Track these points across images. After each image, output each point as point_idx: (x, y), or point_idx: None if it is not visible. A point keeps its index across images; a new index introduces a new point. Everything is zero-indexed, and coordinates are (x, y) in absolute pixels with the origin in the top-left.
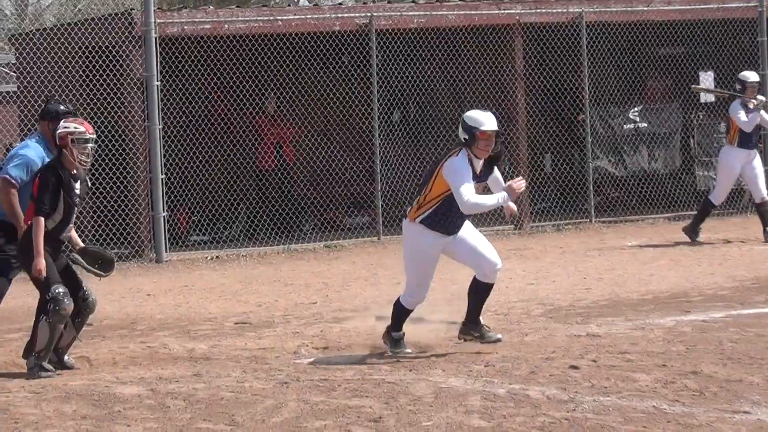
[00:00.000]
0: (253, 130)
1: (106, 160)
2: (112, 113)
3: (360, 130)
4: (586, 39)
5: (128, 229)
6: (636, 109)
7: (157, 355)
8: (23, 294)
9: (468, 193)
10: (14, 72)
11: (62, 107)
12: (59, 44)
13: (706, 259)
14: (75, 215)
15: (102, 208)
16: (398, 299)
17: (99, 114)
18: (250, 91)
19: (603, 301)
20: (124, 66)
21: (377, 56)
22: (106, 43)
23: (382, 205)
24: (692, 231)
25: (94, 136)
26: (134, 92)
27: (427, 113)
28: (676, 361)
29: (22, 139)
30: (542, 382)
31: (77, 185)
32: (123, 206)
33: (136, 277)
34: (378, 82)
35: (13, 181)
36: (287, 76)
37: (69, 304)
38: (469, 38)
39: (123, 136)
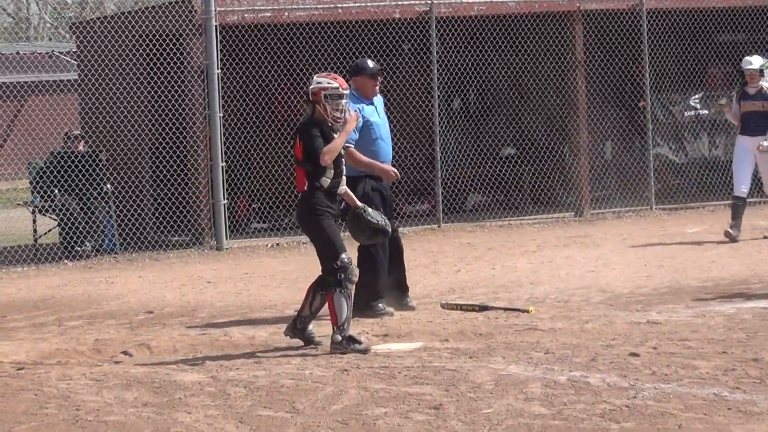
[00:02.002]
0: None
1: (167, 148)
2: (173, 101)
3: (420, 117)
4: (647, 26)
5: (189, 217)
6: (697, 96)
7: (217, 343)
8: (83, 282)
9: None
10: (75, 60)
11: (370, 63)
12: (120, 32)
13: (766, 245)
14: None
15: (163, 195)
16: None
17: (159, 102)
18: (311, 79)
19: (663, 288)
20: (185, 54)
21: (437, 44)
22: (167, 31)
23: (442, 193)
24: (730, 226)
25: (348, 91)
26: (195, 80)
27: (487, 101)
28: (736, 348)
29: (82, 127)
30: (602, 369)
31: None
32: (184, 194)
33: (197, 265)
34: (438, 70)
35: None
36: (347, 64)
37: (357, 271)
38: (530, 26)
39: (183, 124)
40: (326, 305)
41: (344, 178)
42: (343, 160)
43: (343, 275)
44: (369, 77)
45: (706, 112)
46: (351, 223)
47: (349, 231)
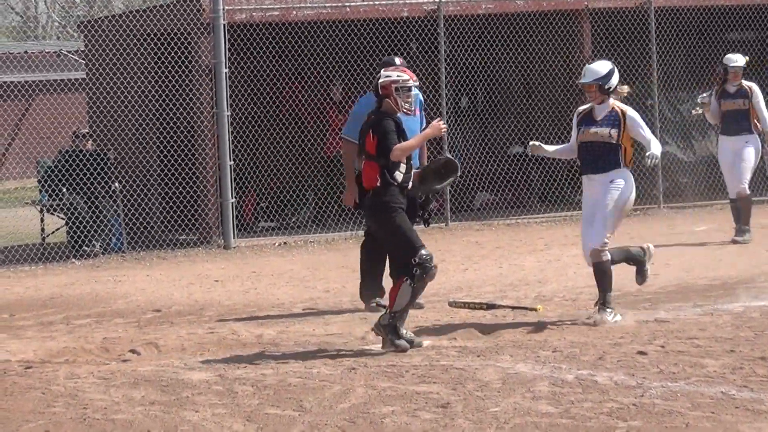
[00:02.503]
0: (320, 117)
1: (175, 147)
2: (181, 100)
3: (428, 116)
4: (655, 24)
5: (196, 216)
6: (705, 94)
7: (225, 341)
8: (91, 281)
9: None
10: (83, 59)
11: (397, 60)
12: (128, 31)
13: None
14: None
15: (171, 194)
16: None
17: (167, 101)
18: (318, 78)
19: (671, 286)
20: (193, 53)
21: (445, 42)
22: (175, 30)
23: (450, 191)
24: (735, 231)
25: (417, 83)
26: (202, 79)
27: (495, 99)
28: (744, 346)
29: (90, 126)
30: (610, 368)
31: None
32: (191, 193)
33: (204, 264)
34: (446, 68)
35: (346, 138)
36: (355, 63)
37: (435, 270)
38: (538, 24)
39: (191, 123)
40: (420, 291)
41: (414, 169)
42: (412, 153)
43: (420, 271)
44: None
45: None
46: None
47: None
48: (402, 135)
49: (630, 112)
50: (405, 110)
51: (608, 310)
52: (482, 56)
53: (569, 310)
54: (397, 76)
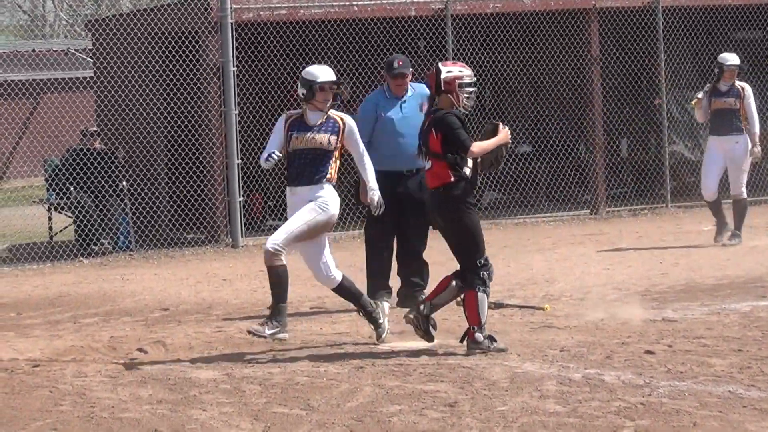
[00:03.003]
0: None
1: (183, 146)
2: (188, 99)
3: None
4: (662, 23)
5: (204, 215)
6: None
7: (232, 340)
8: (99, 279)
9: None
10: (91, 58)
11: (397, 61)
12: (135, 30)
13: None
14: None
15: (178, 193)
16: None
17: (175, 100)
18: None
19: (679, 286)
20: (200, 52)
21: (453, 41)
22: (182, 29)
23: None
24: (717, 234)
25: (475, 79)
26: (210, 78)
27: (502, 98)
28: (752, 346)
29: (98, 124)
30: (617, 367)
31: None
32: (199, 191)
33: (212, 262)
34: None
35: None
36: (363, 62)
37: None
38: (545, 23)
39: (199, 122)
40: (453, 299)
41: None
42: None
43: (486, 273)
44: (397, 77)
45: None
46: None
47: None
48: (467, 130)
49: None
50: (466, 108)
51: (272, 323)
52: (490, 55)
53: (577, 310)
54: (459, 71)
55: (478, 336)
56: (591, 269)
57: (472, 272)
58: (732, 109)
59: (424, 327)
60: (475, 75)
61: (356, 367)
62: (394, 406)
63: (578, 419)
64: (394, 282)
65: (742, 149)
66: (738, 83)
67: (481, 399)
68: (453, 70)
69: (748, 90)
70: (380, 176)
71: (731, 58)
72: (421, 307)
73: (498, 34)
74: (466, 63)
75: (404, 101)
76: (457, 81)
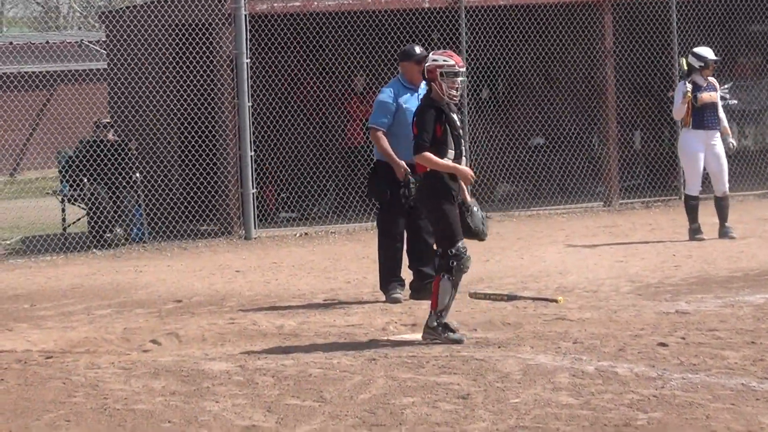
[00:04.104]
0: (341, 108)
1: (196, 138)
2: (202, 91)
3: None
4: (676, 15)
5: (217, 206)
6: (726, 86)
7: (245, 332)
8: (112, 271)
9: None
10: (104, 49)
11: (417, 49)
12: (149, 21)
13: None
14: (465, 149)
15: (192, 185)
16: None
17: (188, 91)
18: (339, 69)
19: (692, 278)
20: (214, 43)
21: (467, 33)
22: (196, 21)
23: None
24: (691, 231)
25: (464, 69)
26: (224, 70)
27: (516, 90)
28: (765, 338)
29: (111, 116)
30: (631, 359)
31: (455, 116)
32: (212, 183)
33: (225, 254)
34: (467, 60)
35: (375, 126)
36: (376, 54)
37: (469, 261)
38: (559, 15)
39: (212, 114)
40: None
41: (465, 159)
42: (463, 141)
43: (456, 263)
44: (415, 63)
45: (736, 102)
46: None
47: None
48: (449, 122)
49: None
50: (450, 96)
51: None
52: (503, 47)
53: (590, 302)
54: (443, 60)
55: (432, 322)
56: (604, 261)
57: (443, 258)
58: (715, 102)
59: (444, 336)
60: (486, 66)
61: (369, 359)
62: (406, 398)
63: (591, 411)
64: (407, 275)
65: (721, 145)
66: (710, 78)
67: (493, 391)
68: (438, 59)
69: (717, 83)
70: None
71: (710, 53)
72: (430, 322)
73: (512, 25)
74: (480, 55)
75: (419, 92)
76: (439, 70)
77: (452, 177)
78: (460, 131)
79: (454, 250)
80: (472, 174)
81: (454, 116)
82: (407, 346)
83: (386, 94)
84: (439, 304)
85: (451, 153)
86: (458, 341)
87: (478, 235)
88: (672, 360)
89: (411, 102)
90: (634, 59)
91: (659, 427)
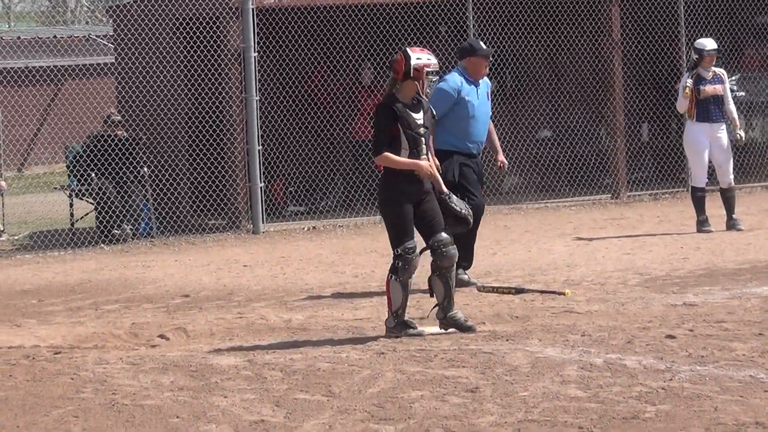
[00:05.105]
0: (349, 101)
1: (204, 132)
2: (210, 85)
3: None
4: (684, 7)
5: (225, 200)
6: (733, 78)
7: (254, 326)
8: (120, 266)
9: None
10: (112, 44)
11: (483, 44)
12: (156, 16)
13: None
14: (425, 147)
15: (199, 179)
16: None
17: (196, 86)
18: (347, 62)
19: (700, 270)
20: (222, 37)
21: (474, 26)
22: (204, 15)
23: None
24: (699, 223)
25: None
26: (231, 63)
27: (523, 83)
28: None
29: (119, 111)
30: (639, 352)
31: (418, 115)
32: (220, 177)
33: (233, 248)
34: None
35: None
36: (384, 48)
37: (415, 263)
38: (567, 7)
39: (220, 108)
40: (452, 286)
41: (430, 155)
42: (424, 139)
43: (400, 263)
44: (483, 58)
45: (743, 94)
46: None
47: None
48: (403, 122)
49: None
50: (426, 95)
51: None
52: (511, 39)
53: (598, 294)
54: (428, 59)
55: (389, 321)
56: (612, 254)
57: (393, 258)
58: (720, 95)
59: (456, 325)
60: (497, 58)
61: (377, 352)
62: (415, 391)
63: (599, 404)
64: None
65: (727, 136)
66: (716, 69)
67: (502, 384)
68: (422, 57)
69: (725, 75)
70: (451, 154)
71: (709, 44)
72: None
73: (519, 17)
74: (488, 46)
75: (478, 85)
76: (426, 69)
77: (407, 177)
78: (420, 130)
79: (400, 250)
80: (431, 169)
81: (419, 114)
82: (416, 340)
83: (447, 86)
84: (393, 305)
85: (405, 153)
86: (419, 335)
87: (464, 220)
88: (680, 352)
89: (473, 95)
90: (641, 51)
91: (667, 419)
